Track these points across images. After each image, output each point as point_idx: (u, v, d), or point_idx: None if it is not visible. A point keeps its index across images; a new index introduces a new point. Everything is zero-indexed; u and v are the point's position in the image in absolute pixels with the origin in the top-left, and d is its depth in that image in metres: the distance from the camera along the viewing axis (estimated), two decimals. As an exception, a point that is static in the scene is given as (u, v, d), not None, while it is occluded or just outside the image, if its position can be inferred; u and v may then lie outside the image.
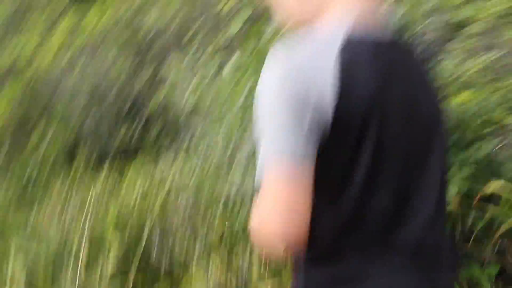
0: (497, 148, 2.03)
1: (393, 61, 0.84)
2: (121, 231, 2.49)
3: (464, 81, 2.18)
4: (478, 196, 1.90)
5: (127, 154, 3.94)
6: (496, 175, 1.98)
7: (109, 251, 2.35)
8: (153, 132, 3.80)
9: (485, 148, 1.96)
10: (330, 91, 0.74)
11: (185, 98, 3.56)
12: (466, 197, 1.99)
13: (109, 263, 2.34)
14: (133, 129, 4.04)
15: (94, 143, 4.12)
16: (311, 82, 0.75)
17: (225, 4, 3.26)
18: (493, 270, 2.00)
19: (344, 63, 0.76)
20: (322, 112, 0.74)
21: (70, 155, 4.01)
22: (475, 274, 2.07)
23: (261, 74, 0.80)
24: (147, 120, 4.12)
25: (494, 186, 1.81)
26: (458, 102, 2.05)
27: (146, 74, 4.19)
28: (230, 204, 2.44)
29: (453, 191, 1.92)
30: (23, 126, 4.28)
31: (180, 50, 3.89)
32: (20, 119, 4.29)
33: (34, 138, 4.03)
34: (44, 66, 4.06)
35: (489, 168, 1.99)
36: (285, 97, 0.75)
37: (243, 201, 2.35)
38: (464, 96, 2.04)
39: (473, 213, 1.99)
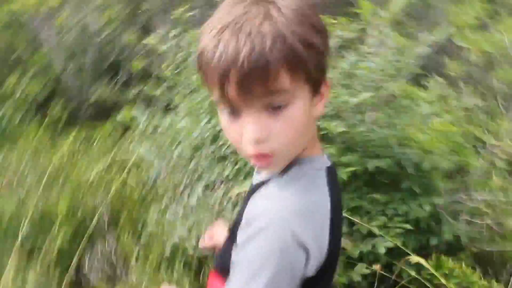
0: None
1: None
2: (72, 212, 2.51)
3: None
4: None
5: (101, 114, 3.90)
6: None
7: (58, 231, 2.38)
8: (130, 96, 3.73)
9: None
10: (327, 229, 0.79)
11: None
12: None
13: (56, 242, 2.38)
14: (110, 88, 3.98)
15: (71, 96, 4.07)
16: (316, 221, 0.78)
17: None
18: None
19: (332, 198, 0.82)
20: (321, 250, 0.79)
21: (44, 106, 3.96)
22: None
23: (260, 202, 0.80)
24: (126, 80, 4.06)
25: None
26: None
27: (133, 30, 4.07)
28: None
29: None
30: (2, 63, 4.18)
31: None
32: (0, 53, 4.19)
33: (11, 79, 3.94)
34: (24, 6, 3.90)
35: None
36: (292, 243, 0.73)
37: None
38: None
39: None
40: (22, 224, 2.39)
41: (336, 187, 0.87)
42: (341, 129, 2.02)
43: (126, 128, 3.63)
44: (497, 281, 2.37)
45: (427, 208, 2.25)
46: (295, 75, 0.72)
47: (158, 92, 2.70)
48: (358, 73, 2.31)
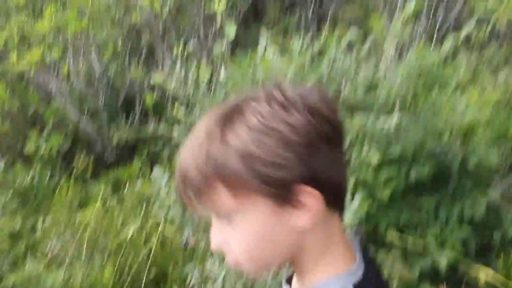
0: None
1: None
2: (119, 275, 2.48)
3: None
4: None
5: (125, 155, 3.86)
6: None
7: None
8: (149, 133, 3.66)
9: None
10: None
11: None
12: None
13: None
14: (128, 126, 3.92)
15: (92, 143, 4.03)
16: None
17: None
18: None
19: None
20: None
21: (68, 158, 3.94)
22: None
23: None
24: (143, 115, 3.99)
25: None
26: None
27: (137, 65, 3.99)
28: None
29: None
30: (19, 123, 4.19)
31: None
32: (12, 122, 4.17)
33: (31, 138, 3.93)
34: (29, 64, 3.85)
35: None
36: None
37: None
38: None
39: None
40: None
41: None
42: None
43: (154, 162, 3.59)
44: None
45: (483, 203, 2.09)
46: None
47: (175, 133, 2.60)
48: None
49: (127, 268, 2.52)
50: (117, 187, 3.43)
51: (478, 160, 2.07)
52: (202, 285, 2.02)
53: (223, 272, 1.91)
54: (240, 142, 0.69)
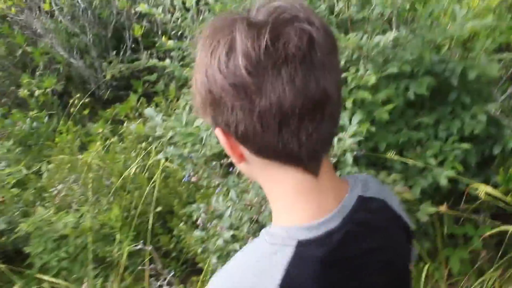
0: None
1: (351, 264, 0.76)
2: (128, 214, 2.53)
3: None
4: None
5: (121, 88, 3.79)
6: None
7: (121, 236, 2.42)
8: (142, 64, 3.57)
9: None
10: None
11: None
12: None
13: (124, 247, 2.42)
14: (120, 59, 3.81)
15: (86, 79, 3.95)
16: None
17: None
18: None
19: (283, 282, 0.70)
20: None
21: (64, 97, 3.89)
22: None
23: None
24: (134, 47, 3.87)
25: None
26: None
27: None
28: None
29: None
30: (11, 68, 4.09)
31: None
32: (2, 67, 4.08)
33: (24, 81, 3.86)
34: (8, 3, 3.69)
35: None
36: None
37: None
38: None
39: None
40: (88, 237, 2.46)
41: (328, 268, 0.73)
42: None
43: (152, 97, 3.54)
44: None
45: (483, 117, 2.05)
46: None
47: (167, 63, 2.52)
48: None
49: (133, 206, 2.57)
50: (115, 126, 3.41)
51: (478, 72, 2.00)
52: (209, 222, 2.05)
53: (229, 209, 1.93)
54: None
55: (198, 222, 1.99)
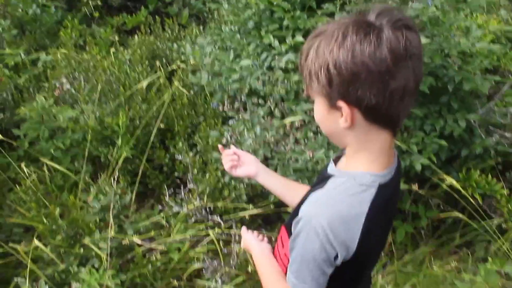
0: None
1: (391, 199, 1.13)
2: (132, 123, 2.70)
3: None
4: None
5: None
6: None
7: (121, 141, 2.61)
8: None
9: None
10: (358, 235, 1.01)
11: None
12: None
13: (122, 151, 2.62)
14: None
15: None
16: (348, 230, 1.00)
17: None
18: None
19: (370, 214, 1.01)
20: (349, 250, 1.01)
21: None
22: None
23: (314, 204, 1.04)
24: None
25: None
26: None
27: None
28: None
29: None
30: None
31: None
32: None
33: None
34: None
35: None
36: (326, 244, 0.99)
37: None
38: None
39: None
40: (87, 134, 2.61)
41: (384, 203, 1.05)
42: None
43: (161, 16, 3.62)
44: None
45: (463, 123, 2.43)
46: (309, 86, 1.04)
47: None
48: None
49: (138, 116, 2.75)
50: (121, 36, 3.48)
51: (471, 86, 2.36)
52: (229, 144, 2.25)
53: (250, 139, 2.15)
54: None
55: (223, 141, 2.21)
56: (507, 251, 2.39)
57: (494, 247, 2.51)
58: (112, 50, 3.16)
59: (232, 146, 1.48)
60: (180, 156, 2.55)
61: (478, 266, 2.33)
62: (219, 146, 1.49)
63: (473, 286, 2.28)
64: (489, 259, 2.23)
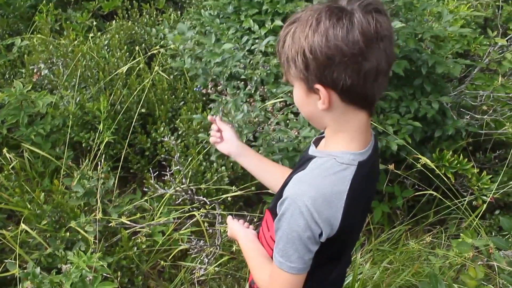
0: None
1: (371, 177, 1.20)
2: (113, 107, 2.70)
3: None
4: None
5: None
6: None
7: (103, 125, 2.62)
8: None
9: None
10: (341, 212, 1.06)
11: None
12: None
13: (104, 135, 2.62)
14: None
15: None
16: (331, 207, 1.05)
17: None
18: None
19: (351, 191, 1.07)
20: (333, 227, 1.07)
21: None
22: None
23: (298, 184, 1.08)
24: None
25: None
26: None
27: None
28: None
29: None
30: None
31: None
32: None
33: None
34: None
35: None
36: (311, 223, 1.04)
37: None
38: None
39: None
40: (67, 119, 2.61)
41: (364, 180, 1.11)
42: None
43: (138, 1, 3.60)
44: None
45: (436, 106, 2.53)
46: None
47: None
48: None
49: (119, 101, 2.76)
50: (99, 20, 3.46)
51: (444, 69, 2.45)
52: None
53: (238, 116, 2.19)
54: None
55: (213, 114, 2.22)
56: (477, 227, 2.52)
57: (465, 223, 2.64)
58: (90, 35, 3.14)
59: (217, 118, 1.51)
60: (166, 137, 2.57)
61: (451, 242, 2.45)
62: (209, 116, 1.52)
63: (446, 261, 2.40)
64: (461, 234, 2.35)
